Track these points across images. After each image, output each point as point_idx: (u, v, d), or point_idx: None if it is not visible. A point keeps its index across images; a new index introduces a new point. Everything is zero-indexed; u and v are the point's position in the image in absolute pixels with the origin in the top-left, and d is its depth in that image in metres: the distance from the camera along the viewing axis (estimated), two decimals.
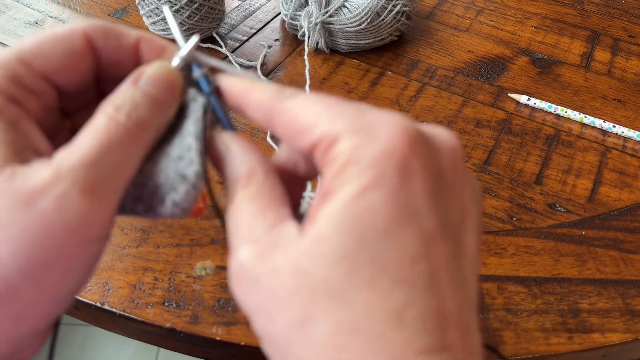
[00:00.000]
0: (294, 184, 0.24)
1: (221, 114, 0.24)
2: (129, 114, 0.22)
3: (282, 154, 0.25)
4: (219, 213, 0.23)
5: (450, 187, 0.21)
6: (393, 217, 0.19)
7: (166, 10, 0.27)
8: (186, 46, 0.25)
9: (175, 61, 0.24)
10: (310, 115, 0.21)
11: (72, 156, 0.20)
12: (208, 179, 0.23)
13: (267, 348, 0.21)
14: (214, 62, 0.25)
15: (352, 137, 0.20)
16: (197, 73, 0.24)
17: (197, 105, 0.24)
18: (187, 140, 0.23)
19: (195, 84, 0.24)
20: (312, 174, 0.24)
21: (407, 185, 0.19)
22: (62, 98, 0.24)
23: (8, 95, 0.21)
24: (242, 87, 0.23)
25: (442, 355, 0.19)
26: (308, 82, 0.59)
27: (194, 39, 0.25)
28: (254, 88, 0.23)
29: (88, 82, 0.25)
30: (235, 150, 0.23)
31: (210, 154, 0.23)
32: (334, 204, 0.20)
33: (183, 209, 0.22)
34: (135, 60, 0.25)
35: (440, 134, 0.22)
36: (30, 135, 0.21)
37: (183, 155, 0.22)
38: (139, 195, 0.22)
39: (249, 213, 0.21)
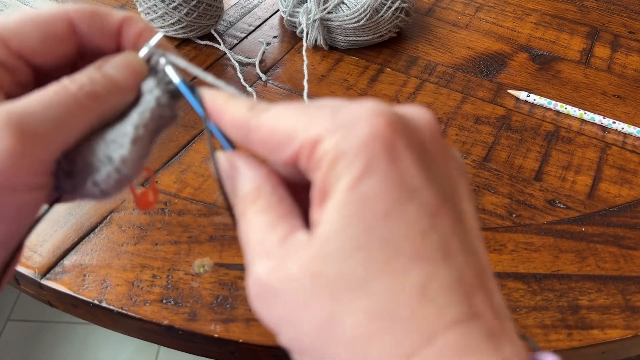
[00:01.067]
0: (304, 190, 0.24)
1: (220, 134, 0.24)
2: (83, 86, 0.23)
3: None
4: (231, 211, 0.23)
5: (436, 161, 0.21)
6: (393, 198, 0.19)
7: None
8: (153, 39, 0.25)
9: (143, 51, 0.25)
10: (286, 126, 0.21)
11: (13, 104, 0.21)
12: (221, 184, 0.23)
13: (298, 358, 0.21)
14: (182, 62, 0.25)
15: (333, 134, 0.20)
16: (162, 62, 0.25)
17: (151, 96, 0.24)
18: (126, 127, 0.23)
19: (158, 74, 0.25)
20: None
21: (398, 164, 0.20)
22: (40, 76, 0.25)
23: None
24: (216, 105, 0.23)
25: (475, 324, 0.19)
26: (306, 79, 0.59)
27: (160, 34, 0.26)
28: (227, 106, 0.23)
29: (68, 62, 0.25)
30: (242, 168, 0.23)
31: (218, 174, 0.23)
32: (332, 201, 0.20)
33: (102, 190, 0.23)
34: (117, 43, 0.25)
35: (414, 112, 0.23)
36: None
37: (116, 140, 0.23)
38: (70, 172, 0.23)
39: (260, 228, 0.21)
